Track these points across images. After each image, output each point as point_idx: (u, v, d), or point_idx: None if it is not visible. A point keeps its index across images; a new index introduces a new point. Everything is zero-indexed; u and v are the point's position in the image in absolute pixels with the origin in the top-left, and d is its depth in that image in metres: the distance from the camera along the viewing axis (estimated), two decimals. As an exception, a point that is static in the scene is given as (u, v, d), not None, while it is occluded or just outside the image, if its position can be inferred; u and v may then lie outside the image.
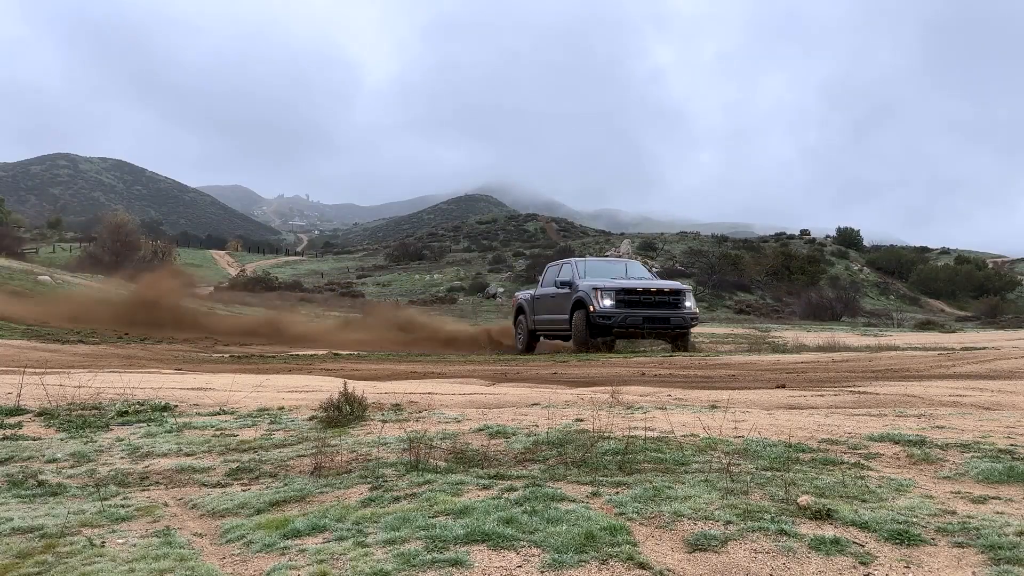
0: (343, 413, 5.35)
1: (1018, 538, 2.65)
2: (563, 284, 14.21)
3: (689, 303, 13.89)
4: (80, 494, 3.79)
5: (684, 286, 14.60)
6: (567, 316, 13.98)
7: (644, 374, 9.12)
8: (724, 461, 3.70)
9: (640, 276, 15.37)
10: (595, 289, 13.29)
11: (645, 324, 13.33)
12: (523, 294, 17.04)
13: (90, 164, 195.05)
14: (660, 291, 13.68)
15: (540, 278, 16.32)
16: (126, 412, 5.82)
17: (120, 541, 3.00)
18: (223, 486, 3.94)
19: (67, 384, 6.91)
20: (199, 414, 5.92)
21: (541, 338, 16.17)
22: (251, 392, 7.00)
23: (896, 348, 14.65)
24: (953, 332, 29.70)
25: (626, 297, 13.23)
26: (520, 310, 16.19)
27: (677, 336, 13.96)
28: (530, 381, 8.39)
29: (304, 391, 7.08)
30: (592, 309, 13.06)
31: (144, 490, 3.90)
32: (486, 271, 66.78)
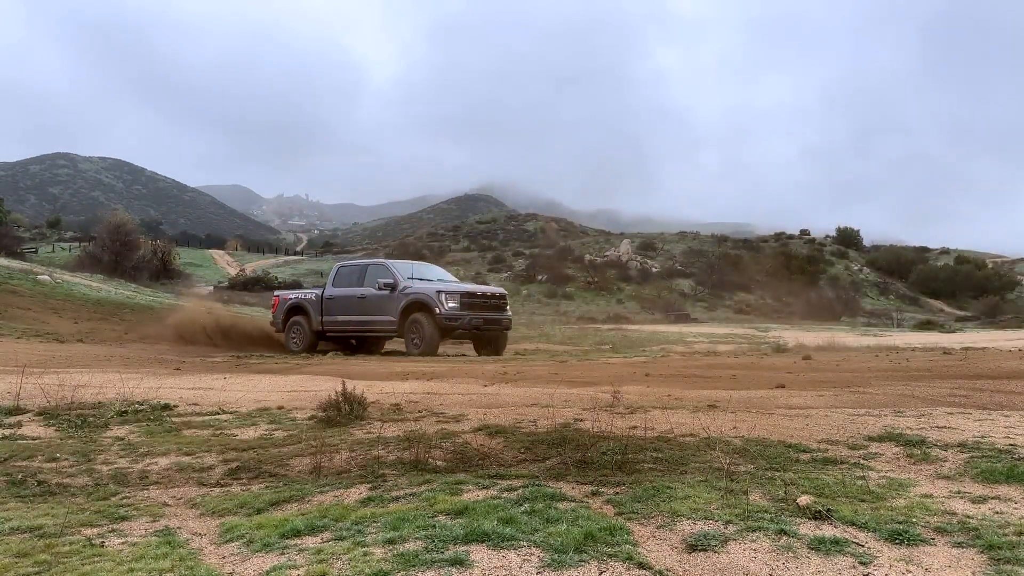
0: (342, 413, 5.35)
1: (1018, 538, 2.66)
2: (385, 286, 14.32)
3: (508, 307, 15.16)
4: (80, 494, 3.80)
5: (505, 291, 15.54)
6: (392, 318, 14.06)
7: (648, 375, 9.12)
8: (724, 461, 3.70)
9: (449, 279, 15.88)
10: (439, 292, 13.79)
11: (484, 324, 14.08)
12: (297, 293, 16.63)
13: (89, 164, 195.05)
14: (493, 295, 14.75)
15: (329, 278, 16.02)
16: (125, 412, 5.82)
17: (120, 541, 3.00)
18: (223, 485, 3.95)
19: (66, 384, 6.90)
20: (198, 414, 5.92)
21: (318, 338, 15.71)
22: (250, 392, 7.01)
23: (896, 348, 14.66)
24: (953, 332, 29.73)
25: (469, 300, 13.94)
26: (296, 311, 15.81)
27: (498, 337, 14.69)
28: (530, 381, 8.38)
29: (303, 391, 7.08)
30: (439, 311, 13.51)
31: (144, 489, 3.91)
32: (486, 271, 66.78)
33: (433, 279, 15.17)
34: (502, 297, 14.89)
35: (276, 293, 17.86)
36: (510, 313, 15.11)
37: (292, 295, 16.57)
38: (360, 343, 15.87)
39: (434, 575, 2.44)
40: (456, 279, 16.90)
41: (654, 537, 2.77)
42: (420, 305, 13.74)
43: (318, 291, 15.87)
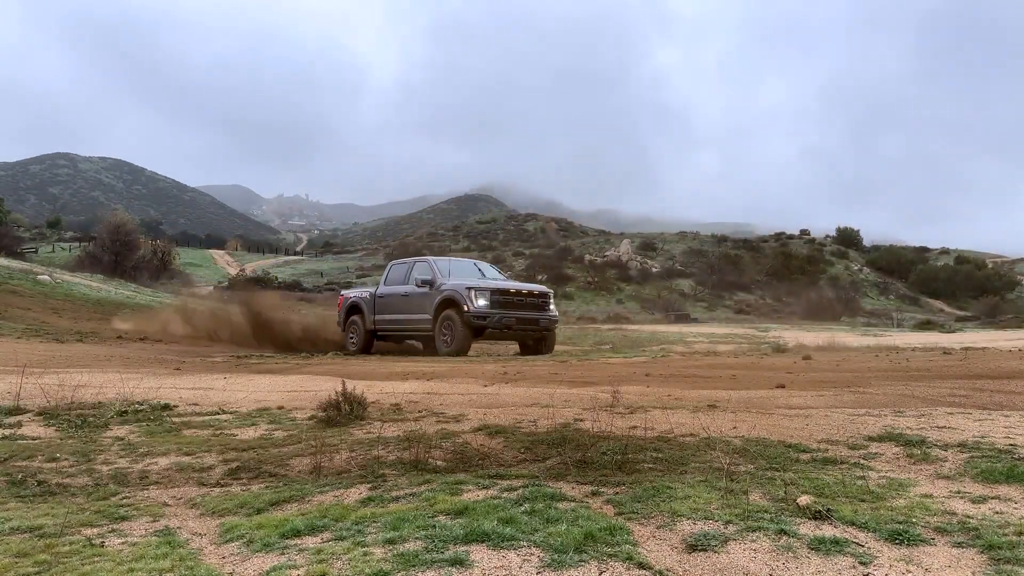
0: (342, 413, 5.35)
1: (1017, 538, 2.66)
2: (423, 283, 13.72)
3: (552, 306, 14.15)
4: (80, 494, 3.80)
5: (548, 289, 14.57)
6: (428, 316, 13.44)
7: (648, 375, 9.12)
8: (724, 461, 3.70)
9: (495, 277, 15.01)
10: (469, 289, 13.08)
11: (517, 324, 13.32)
12: (356, 292, 16.23)
13: (89, 164, 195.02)
14: (530, 293, 13.84)
15: (383, 276, 15.59)
16: (125, 412, 5.82)
17: (120, 541, 3.00)
18: (223, 485, 3.95)
19: (67, 384, 6.90)
20: (198, 414, 5.92)
21: (377, 338, 15.41)
22: (250, 392, 7.01)
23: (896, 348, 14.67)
24: (953, 332, 29.72)
25: (500, 298, 13.17)
26: (354, 310, 15.35)
27: (543, 337, 13.92)
28: (530, 381, 8.38)
29: (304, 391, 7.07)
30: (467, 309, 12.88)
31: (144, 489, 3.91)
32: (486, 271, 66.75)
33: (474, 276, 14.40)
34: (543, 295, 13.95)
35: (341, 292, 17.65)
36: (554, 312, 14.12)
37: (352, 294, 16.18)
38: (425, 343, 14.98)
39: (434, 575, 2.44)
40: (503, 277, 15.92)
41: (654, 537, 2.77)
42: (451, 302, 13.14)
43: (373, 290, 15.45)
